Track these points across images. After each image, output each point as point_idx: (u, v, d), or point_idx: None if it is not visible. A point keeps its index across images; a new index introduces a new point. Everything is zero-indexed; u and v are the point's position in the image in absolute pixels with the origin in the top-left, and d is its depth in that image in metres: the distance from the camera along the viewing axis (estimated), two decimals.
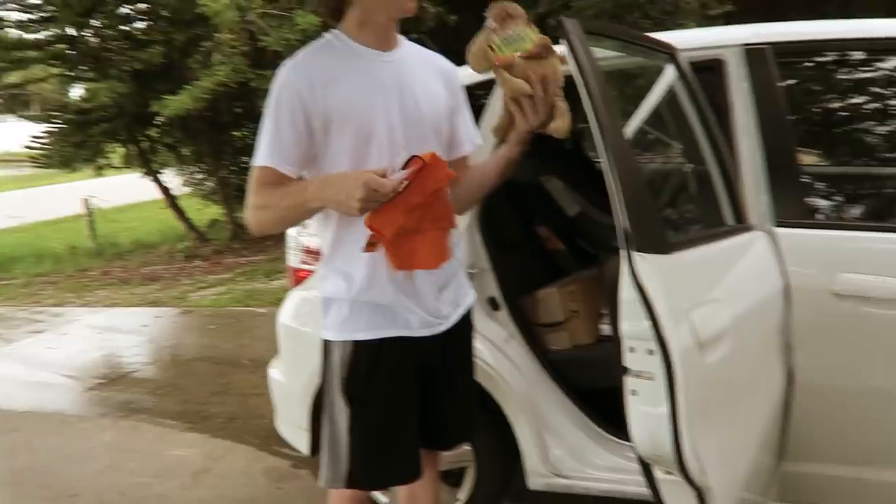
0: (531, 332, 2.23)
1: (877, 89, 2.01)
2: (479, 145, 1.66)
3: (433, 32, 5.45)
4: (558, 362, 2.19)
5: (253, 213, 1.45)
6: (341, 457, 1.53)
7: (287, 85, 1.40)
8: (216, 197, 10.31)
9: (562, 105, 1.47)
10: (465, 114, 1.62)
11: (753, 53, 1.86)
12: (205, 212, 10.80)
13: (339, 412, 1.53)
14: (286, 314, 2.46)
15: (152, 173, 9.43)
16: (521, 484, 2.17)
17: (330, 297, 1.52)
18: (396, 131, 1.44)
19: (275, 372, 2.56)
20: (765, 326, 1.56)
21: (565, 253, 2.86)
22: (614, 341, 1.21)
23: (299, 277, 2.44)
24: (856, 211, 2.04)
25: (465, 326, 1.65)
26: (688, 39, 1.94)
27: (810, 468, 1.77)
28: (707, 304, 1.22)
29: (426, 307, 1.51)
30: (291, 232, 2.50)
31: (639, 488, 1.97)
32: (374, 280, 1.47)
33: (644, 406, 1.14)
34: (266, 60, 6.65)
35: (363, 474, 1.55)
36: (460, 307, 1.62)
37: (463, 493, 2.21)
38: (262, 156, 1.41)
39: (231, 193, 9.96)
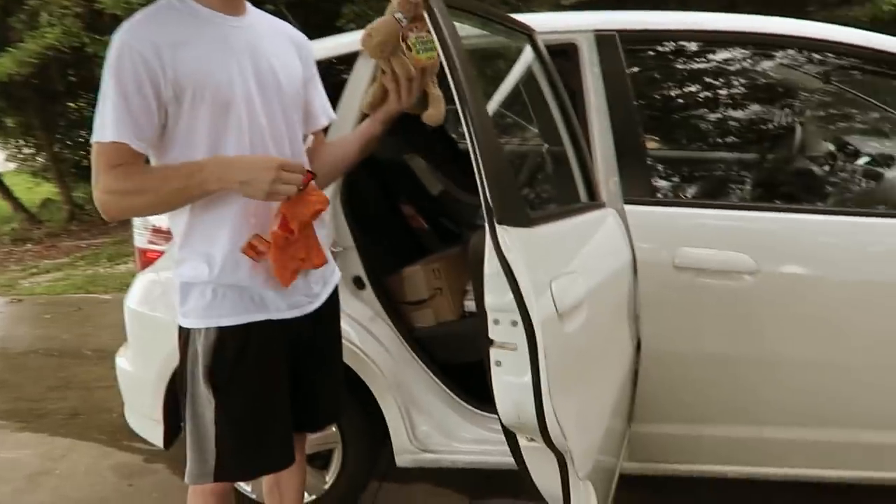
0: (396, 310, 2.23)
1: (710, 79, 2.19)
2: (333, 118, 1.62)
3: (291, 5, 5.25)
4: (423, 339, 2.21)
5: (110, 198, 1.30)
6: (208, 450, 1.45)
7: (127, 51, 1.26)
8: (49, 174, 9.39)
9: (436, 93, 1.47)
10: (319, 85, 1.58)
11: (603, 39, 1.95)
12: (36, 191, 9.82)
13: (204, 404, 1.44)
14: (134, 298, 2.29)
15: None
16: (388, 462, 2.18)
17: (189, 282, 1.42)
18: (255, 101, 1.37)
19: (122, 361, 2.38)
20: (616, 298, 1.66)
21: (429, 231, 2.89)
22: (479, 315, 1.23)
23: (148, 259, 2.28)
24: (694, 189, 2.22)
25: (332, 305, 1.62)
26: (543, 23, 1.99)
27: (654, 428, 1.91)
28: (565, 276, 1.28)
29: (294, 286, 1.46)
30: None
31: (503, 458, 2.04)
32: (237, 261, 1.39)
33: (508, 376, 1.18)
34: (104, 24, 6.10)
35: (233, 466, 1.48)
36: (329, 285, 1.59)
37: (330, 475, 2.18)
38: (110, 131, 1.26)
39: (67, 170, 9.12)
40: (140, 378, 2.27)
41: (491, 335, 1.18)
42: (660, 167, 2.19)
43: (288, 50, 1.48)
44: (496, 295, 1.15)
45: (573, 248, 1.43)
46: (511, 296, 1.13)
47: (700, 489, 2.13)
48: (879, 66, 1.95)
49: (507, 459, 2.02)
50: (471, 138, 1.18)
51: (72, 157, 9.50)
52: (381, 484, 2.41)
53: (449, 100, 1.53)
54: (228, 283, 1.40)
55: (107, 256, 6.56)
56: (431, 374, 2.12)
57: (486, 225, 1.16)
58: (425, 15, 1.27)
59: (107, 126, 1.26)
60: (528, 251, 1.15)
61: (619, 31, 1.95)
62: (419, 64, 1.39)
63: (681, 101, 2.24)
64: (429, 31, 1.33)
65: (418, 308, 2.31)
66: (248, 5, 1.44)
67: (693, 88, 2.22)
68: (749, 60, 2.10)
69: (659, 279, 1.83)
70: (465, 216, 2.88)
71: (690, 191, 2.19)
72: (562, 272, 1.27)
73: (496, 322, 1.16)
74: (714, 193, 2.18)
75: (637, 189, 1.91)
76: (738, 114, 2.25)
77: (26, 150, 9.93)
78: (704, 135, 2.26)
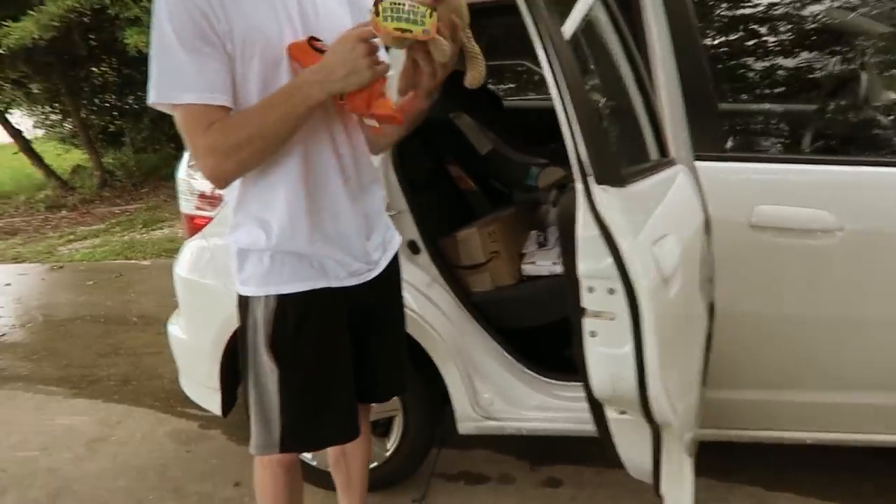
0: (452, 274, 2.17)
1: (788, 22, 2.04)
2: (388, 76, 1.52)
3: None
4: (481, 305, 2.16)
5: (218, 161, 1.21)
6: (272, 421, 1.43)
7: (182, 6, 1.17)
8: (77, 140, 9.41)
9: (473, 50, 1.27)
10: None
11: None
12: (65, 157, 9.86)
13: (266, 373, 1.41)
14: (183, 266, 2.26)
15: None
16: (445, 429, 2.15)
17: (246, 248, 1.37)
18: None
19: (175, 328, 2.36)
20: (695, 260, 1.58)
21: (476, 192, 2.80)
22: (568, 282, 1.15)
23: (195, 225, 2.23)
24: (770, 143, 2.10)
25: (393, 272, 1.56)
26: None
27: (729, 394, 1.84)
28: (664, 238, 1.20)
29: (354, 253, 1.41)
30: (182, 175, 2.27)
31: (568, 425, 2.02)
32: (295, 227, 1.33)
33: (604, 347, 1.11)
34: None
35: (298, 437, 1.46)
36: (388, 251, 1.53)
37: (391, 442, 2.16)
38: (191, 93, 1.18)
39: (95, 136, 9.12)
40: (194, 346, 2.25)
41: (584, 304, 1.10)
42: (735, 119, 2.07)
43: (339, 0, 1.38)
44: (592, 261, 1.07)
45: (662, 208, 1.34)
46: (609, 261, 1.05)
47: (770, 454, 2.08)
48: None
49: (574, 426, 2.02)
50: (559, 92, 1.09)
51: (99, 122, 9.51)
52: (439, 451, 2.39)
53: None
54: (287, 250, 1.35)
55: (141, 222, 6.59)
56: (493, 340, 2.07)
57: (580, 185, 1.08)
58: None
59: (183, 86, 1.18)
60: (627, 212, 1.07)
61: None
62: (385, 33, 1.15)
63: (754, 45, 2.09)
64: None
65: (475, 272, 2.25)
66: None
67: (767, 31, 2.07)
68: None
69: (734, 239, 1.74)
70: (515, 175, 2.79)
71: (766, 144, 2.07)
72: (660, 234, 1.19)
73: (591, 290, 1.09)
74: (792, 147, 2.06)
75: (708, 144, 1.80)
76: (821, 60, 2.10)
77: (53, 117, 9.95)
78: (781, 83, 2.11)
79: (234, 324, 2.09)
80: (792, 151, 1.98)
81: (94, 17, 6.69)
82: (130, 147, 9.59)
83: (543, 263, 2.22)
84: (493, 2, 1.85)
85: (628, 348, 1.07)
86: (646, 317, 1.05)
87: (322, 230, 1.35)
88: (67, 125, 9.75)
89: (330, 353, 1.44)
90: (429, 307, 2.04)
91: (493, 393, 2.05)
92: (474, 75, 1.27)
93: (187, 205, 2.24)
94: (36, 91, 9.11)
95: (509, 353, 2.06)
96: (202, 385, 2.27)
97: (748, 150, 1.99)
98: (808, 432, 1.86)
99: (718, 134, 1.85)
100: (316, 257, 1.37)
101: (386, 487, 2.19)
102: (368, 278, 1.45)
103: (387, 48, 1.26)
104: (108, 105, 9.51)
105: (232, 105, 1.23)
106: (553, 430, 2.02)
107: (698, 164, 1.78)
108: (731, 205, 1.75)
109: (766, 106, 2.13)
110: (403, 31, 1.13)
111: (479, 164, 2.80)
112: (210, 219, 2.17)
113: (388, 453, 2.17)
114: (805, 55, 2.08)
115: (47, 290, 4.88)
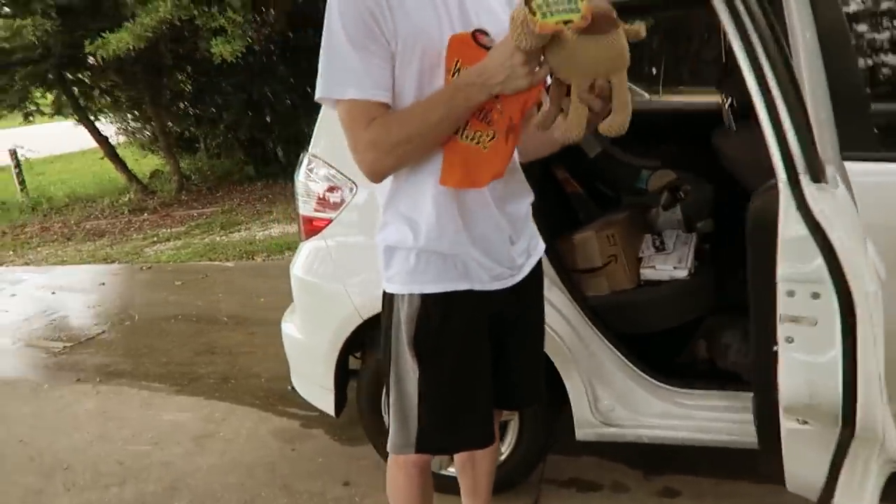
0: (570, 278, 2.12)
1: None
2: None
3: None
4: (598, 309, 2.10)
5: (377, 156, 1.22)
6: (410, 420, 1.42)
7: (353, 5, 1.19)
8: (156, 146, 9.77)
9: (622, 98, 1.10)
10: None
11: None
12: (143, 162, 10.24)
13: (408, 372, 1.40)
14: (300, 267, 2.29)
15: (87, 121, 8.79)
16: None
17: (393, 246, 1.37)
18: None
19: (289, 327, 2.39)
20: None
21: (582, 195, 2.75)
22: (756, 287, 1.10)
23: (314, 227, 2.25)
24: None
25: (535, 280, 1.53)
26: None
27: None
28: (868, 240, 1.13)
29: (498, 257, 1.39)
30: (300, 178, 2.29)
31: (690, 434, 1.95)
32: (442, 228, 1.32)
33: (801, 354, 1.05)
34: None
35: (434, 439, 1.44)
36: (532, 257, 1.50)
37: (506, 447, 2.13)
38: (357, 86, 1.20)
39: (173, 142, 9.44)
40: (310, 346, 2.27)
41: (782, 309, 1.05)
42: (887, 117, 1.96)
43: (500, 2, 1.37)
44: (797, 263, 1.02)
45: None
46: (818, 263, 0.99)
47: None
48: None
49: (694, 435, 1.95)
50: (761, 83, 1.04)
51: (176, 129, 9.85)
52: (546, 456, 2.34)
53: None
54: (433, 250, 1.34)
55: (219, 225, 6.76)
56: (612, 346, 2.02)
57: (784, 184, 1.02)
58: None
59: (348, 82, 1.20)
60: (840, 211, 1.01)
61: None
62: (546, 30, 1.03)
63: None
64: None
65: (591, 276, 2.20)
66: None
67: None
68: None
69: (891, 245, 1.64)
70: (625, 178, 2.73)
71: None
72: (864, 235, 1.12)
73: (790, 294, 1.03)
74: None
75: (859, 142, 1.71)
76: None
77: (133, 124, 10.35)
78: None
79: (352, 325, 2.13)
80: None
81: (179, 27, 6.94)
82: (205, 153, 9.90)
83: (664, 268, 2.16)
84: None
85: (832, 355, 1.01)
86: (870, 321, 0.98)
87: (468, 232, 1.33)
88: (147, 132, 10.13)
89: (471, 356, 1.42)
90: (549, 311, 1.98)
91: (614, 399, 2.00)
92: (612, 125, 1.11)
93: (306, 207, 2.26)
94: (122, 99, 9.50)
95: (629, 359, 2.01)
96: (316, 384, 2.28)
97: None
98: None
99: (870, 131, 1.75)
100: (460, 259, 1.35)
101: (498, 492, 2.14)
102: (511, 283, 1.43)
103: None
104: (184, 112, 9.83)
105: (391, 103, 1.23)
106: (674, 438, 1.96)
107: (847, 164, 1.69)
108: (887, 208, 1.66)
109: None
110: (565, 23, 1.04)
111: (586, 166, 2.75)
112: (329, 221, 2.19)
113: (502, 458, 2.13)
114: None
115: (139, 289, 5.04)
